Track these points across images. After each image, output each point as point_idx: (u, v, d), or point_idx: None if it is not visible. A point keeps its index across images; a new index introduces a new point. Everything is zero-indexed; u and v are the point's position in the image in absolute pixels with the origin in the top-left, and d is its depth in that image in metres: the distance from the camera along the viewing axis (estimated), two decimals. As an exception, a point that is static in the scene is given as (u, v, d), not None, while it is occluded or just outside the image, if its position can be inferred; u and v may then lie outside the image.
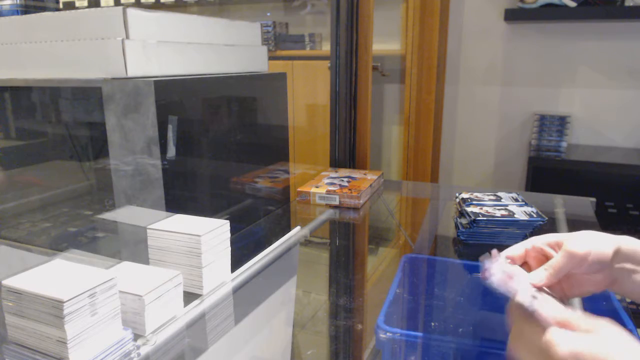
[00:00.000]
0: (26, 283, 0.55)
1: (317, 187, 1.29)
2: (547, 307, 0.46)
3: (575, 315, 0.45)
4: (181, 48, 0.92)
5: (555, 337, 0.43)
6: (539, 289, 0.52)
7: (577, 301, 0.75)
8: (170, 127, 0.83)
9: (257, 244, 1.01)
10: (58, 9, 2.93)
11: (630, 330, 0.63)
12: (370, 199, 1.33)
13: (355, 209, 1.24)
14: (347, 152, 1.58)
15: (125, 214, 0.87)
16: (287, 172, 1.26)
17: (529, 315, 0.46)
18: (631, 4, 1.94)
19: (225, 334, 0.71)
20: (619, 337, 0.42)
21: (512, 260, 0.59)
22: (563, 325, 0.45)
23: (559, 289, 0.55)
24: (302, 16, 2.79)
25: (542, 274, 0.53)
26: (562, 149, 2.12)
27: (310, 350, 0.70)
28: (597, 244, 0.54)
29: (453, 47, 2.41)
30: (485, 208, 1.06)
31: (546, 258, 0.56)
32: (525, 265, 0.58)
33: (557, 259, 0.54)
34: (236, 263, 0.85)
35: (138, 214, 0.85)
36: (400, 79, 2.52)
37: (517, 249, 0.58)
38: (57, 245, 0.98)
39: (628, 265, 0.55)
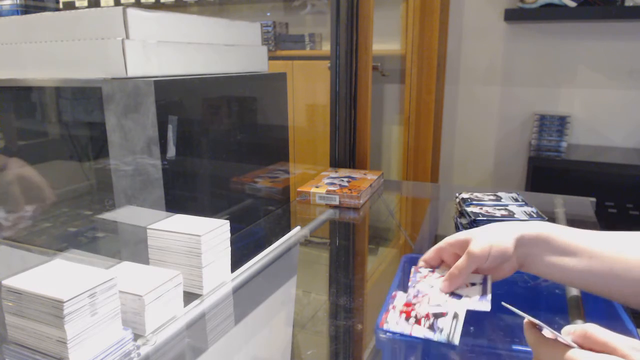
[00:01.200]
0: (26, 283, 0.55)
1: (317, 187, 1.29)
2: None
3: (610, 335, 0.43)
4: (181, 48, 0.92)
5: (575, 357, 0.42)
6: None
7: (576, 303, 0.75)
8: (170, 127, 0.83)
9: (257, 244, 1.01)
10: (58, 9, 2.93)
11: (631, 331, 0.63)
12: (370, 199, 1.33)
13: (355, 209, 1.24)
14: (347, 152, 1.58)
15: (125, 214, 0.87)
16: (287, 172, 1.26)
17: (547, 339, 0.46)
18: (631, 4, 1.94)
19: (225, 334, 0.71)
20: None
21: (426, 264, 0.67)
22: (596, 344, 0.43)
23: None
24: (302, 16, 2.79)
25: (446, 284, 0.61)
26: (562, 149, 2.12)
27: (310, 350, 0.70)
28: (498, 239, 0.59)
29: (453, 47, 2.41)
30: (485, 208, 1.06)
31: (458, 256, 0.62)
32: (444, 263, 0.66)
33: (461, 261, 0.60)
34: (236, 263, 0.85)
35: (138, 214, 0.85)
36: (400, 79, 2.52)
37: (430, 254, 0.66)
38: (57, 245, 0.98)
39: (534, 250, 0.60)
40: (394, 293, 0.71)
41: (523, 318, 0.49)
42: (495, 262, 0.60)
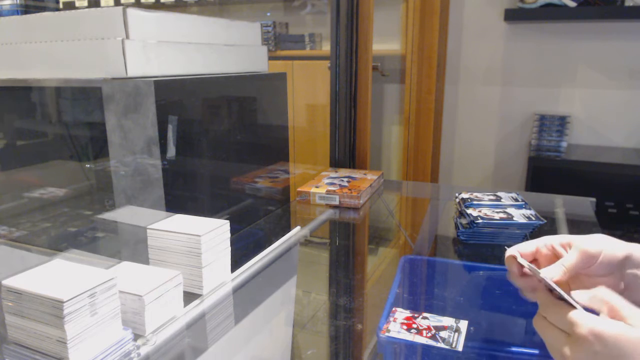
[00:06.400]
0: (26, 283, 0.55)
1: (317, 187, 1.29)
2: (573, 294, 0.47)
3: (622, 302, 0.45)
4: (181, 48, 0.92)
5: (578, 318, 0.44)
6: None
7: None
8: (170, 127, 0.83)
9: (257, 244, 1.01)
10: (58, 9, 2.93)
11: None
12: (370, 199, 1.33)
13: (355, 209, 1.24)
14: (347, 152, 1.58)
15: (125, 214, 0.87)
16: (287, 172, 1.26)
17: (555, 297, 0.48)
18: (631, 4, 1.94)
19: (225, 334, 0.71)
20: None
21: (522, 257, 0.59)
22: (609, 309, 0.45)
23: (567, 291, 0.54)
24: (302, 16, 2.79)
25: (557, 269, 0.53)
26: (562, 149, 2.12)
27: (310, 350, 0.70)
28: (609, 246, 0.54)
29: (453, 47, 2.41)
30: (484, 211, 1.06)
31: (556, 257, 0.56)
32: (535, 262, 0.59)
33: (570, 256, 0.54)
34: (236, 263, 0.85)
35: (138, 214, 0.85)
36: (400, 79, 2.52)
37: (528, 246, 0.58)
38: (57, 245, 0.98)
39: None
40: (394, 309, 0.71)
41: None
42: (602, 271, 0.55)
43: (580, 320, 0.43)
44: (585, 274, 0.55)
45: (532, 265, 0.52)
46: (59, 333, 0.53)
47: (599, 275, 0.55)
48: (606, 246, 0.54)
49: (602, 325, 0.42)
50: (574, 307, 0.45)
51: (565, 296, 0.46)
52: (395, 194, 1.50)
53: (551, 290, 0.48)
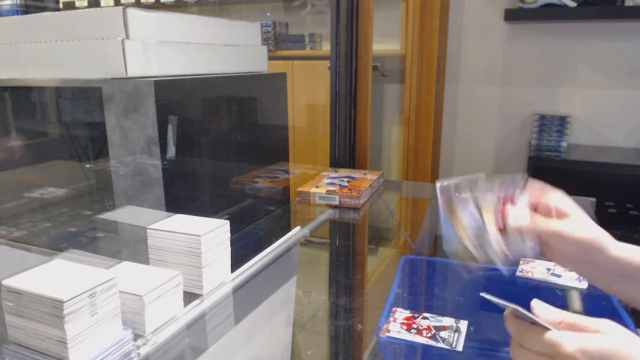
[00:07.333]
0: (26, 283, 0.55)
1: (317, 187, 1.29)
2: (546, 313, 0.47)
3: (578, 317, 0.46)
4: (181, 48, 0.92)
5: (559, 338, 0.43)
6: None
7: (577, 302, 0.75)
8: (170, 127, 0.83)
9: (257, 244, 1.01)
10: (58, 9, 2.93)
11: (630, 329, 0.63)
12: (370, 199, 1.33)
13: (355, 209, 1.24)
14: (347, 152, 1.58)
15: (125, 214, 0.87)
16: (287, 172, 1.26)
17: (529, 323, 0.47)
18: (631, 4, 1.94)
19: (225, 334, 0.71)
20: (625, 335, 0.43)
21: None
22: (569, 327, 0.45)
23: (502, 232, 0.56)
24: (302, 16, 2.79)
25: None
26: (562, 149, 2.12)
27: (310, 350, 0.70)
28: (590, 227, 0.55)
29: (453, 47, 2.41)
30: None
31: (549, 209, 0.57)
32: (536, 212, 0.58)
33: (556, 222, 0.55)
34: (236, 263, 0.85)
35: (138, 214, 0.85)
36: (400, 79, 2.52)
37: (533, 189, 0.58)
38: (57, 245, 0.98)
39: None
40: (394, 309, 0.71)
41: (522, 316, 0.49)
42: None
43: (562, 339, 0.43)
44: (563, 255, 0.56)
45: (499, 300, 0.50)
46: (59, 333, 0.53)
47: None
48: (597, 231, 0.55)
49: (587, 341, 0.42)
50: (548, 329, 0.44)
51: (538, 320, 0.45)
52: (395, 194, 1.50)
53: (521, 317, 0.47)
